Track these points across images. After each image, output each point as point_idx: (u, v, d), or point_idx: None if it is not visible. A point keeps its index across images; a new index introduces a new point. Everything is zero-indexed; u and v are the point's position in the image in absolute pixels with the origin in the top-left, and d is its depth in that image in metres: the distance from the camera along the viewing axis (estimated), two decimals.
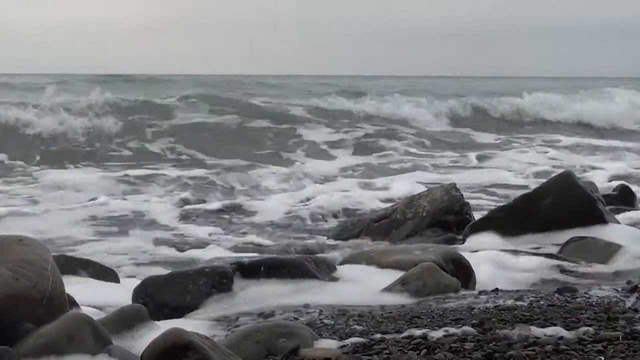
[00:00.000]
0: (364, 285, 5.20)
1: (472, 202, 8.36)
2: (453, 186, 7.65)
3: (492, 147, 18.99)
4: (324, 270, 5.30)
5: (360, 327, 3.73)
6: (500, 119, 24.70)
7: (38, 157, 15.59)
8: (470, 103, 25.36)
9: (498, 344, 3.10)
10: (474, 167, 15.40)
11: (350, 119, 21.74)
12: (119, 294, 5.01)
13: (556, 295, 4.41)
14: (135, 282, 5.13)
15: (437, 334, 3.39)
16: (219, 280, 4.86)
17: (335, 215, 9.54)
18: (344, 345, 3.32)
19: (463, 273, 5.30)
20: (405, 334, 3.44)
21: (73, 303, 3.84)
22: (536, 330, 3.30)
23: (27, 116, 17.85)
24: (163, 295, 4.77)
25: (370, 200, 10.32)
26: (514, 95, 26.95)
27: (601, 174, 13.10)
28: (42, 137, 17.14)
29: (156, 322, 3.83)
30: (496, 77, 66.50)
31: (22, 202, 10.68)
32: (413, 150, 18.24)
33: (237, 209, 9.94)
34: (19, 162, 14.80)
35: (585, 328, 3.31)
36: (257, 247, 7.70)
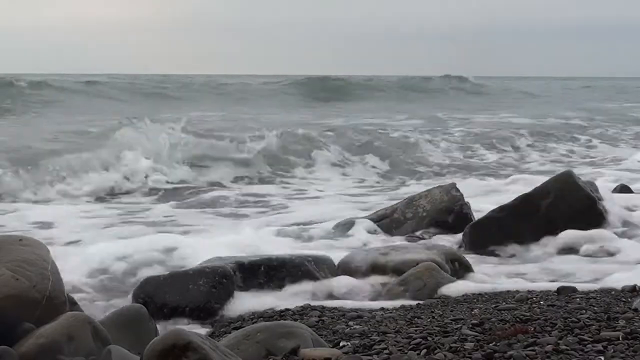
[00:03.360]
0: (364, 285, 5.20)
1: None
2: (453, 186, 7.63)
3: None
4: (324, 270, 5.30)
5: (360, 327, 3.73)
6: None
7: None
8: None
9: (498, 344, 3.09)
10: None
11: None
12: None
13: (556, 295, 4.40)
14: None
15: (437, 334, 3.39)
16: (219, 280, 4.86)
17: None
18: (344, 345, 3.33)
19: (463, 273, 5.30)
20: (405, 334, 3.43)
21: (73, 303, 3.84)
22: None
23: None
24: (163, 295, 4.76)
25: None
26: None
27: None
28: None
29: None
30: None
31: None
32: None
33: None
34: None
35: None
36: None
